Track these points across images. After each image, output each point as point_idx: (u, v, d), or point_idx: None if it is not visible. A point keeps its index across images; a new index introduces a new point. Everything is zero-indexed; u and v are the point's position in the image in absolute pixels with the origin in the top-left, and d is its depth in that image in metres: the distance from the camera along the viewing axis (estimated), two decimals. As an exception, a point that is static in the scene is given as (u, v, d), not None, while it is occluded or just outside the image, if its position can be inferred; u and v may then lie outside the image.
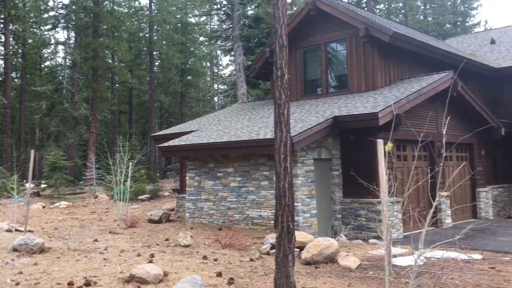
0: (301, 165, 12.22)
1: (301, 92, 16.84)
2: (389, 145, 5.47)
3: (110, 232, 12.81)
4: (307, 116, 13.56)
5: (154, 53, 42.72)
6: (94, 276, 7.67)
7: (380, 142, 5.64)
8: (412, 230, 13.26)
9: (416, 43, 15.70)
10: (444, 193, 14.69)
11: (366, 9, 34.80)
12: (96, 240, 11.37)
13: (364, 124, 12.20)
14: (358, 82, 15.35)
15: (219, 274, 7.86)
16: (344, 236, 11.86)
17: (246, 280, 7.66)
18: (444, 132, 6.07)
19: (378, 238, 12.18)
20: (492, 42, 22.36)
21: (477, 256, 9.59)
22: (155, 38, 43.10)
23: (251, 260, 9.20)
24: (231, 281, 7.42)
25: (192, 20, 45.31)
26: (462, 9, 44.94)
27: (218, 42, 34.84)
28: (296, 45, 16.96)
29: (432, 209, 5.47)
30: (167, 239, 11.77)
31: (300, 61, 16.93)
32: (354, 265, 8.71)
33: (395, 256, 9.52)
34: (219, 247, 10.52)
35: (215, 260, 9.12)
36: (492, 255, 10.20)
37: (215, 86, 49.15)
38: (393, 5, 45.52)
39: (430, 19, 44.32)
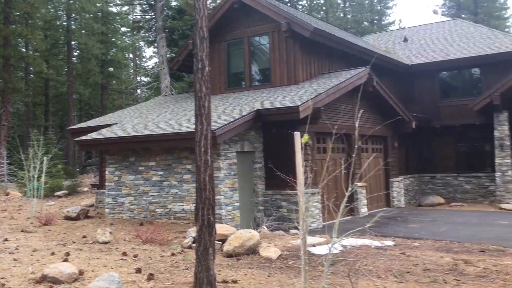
0: (224, 158, 12.24)
1: (225, 85, 16.84)
2: (305, 137, 5.60)
3: (22, 231, 12.07)
4: (231, 109, 13.59)
5: (73, 42, 40.70)
6: (2, 278, 7.20)
7: (297, 134, 5.76)
8: (331, 220, 13.78)
9: (335, 39, 16.25)
10: (360, 184, 15.37)
11: (289, 4, 35.43)
12: (6, 240, 10.67)
13: (286, 117, 12.43)
14: (281, 76, 15.62)
15: (139, 270, 7.68)
16: (266, 228, 12.06)
17: (167, 275, 7.55)
18: (356, 125, 6.28)
19: (299, 228, 12.51)
20: (405, 40, 23.70)
21: (389, 242, 10.16)
22: (73, 27, 41.06)
23: (173, 254, 9.08)
24: (150, 276, 7.28)
25: (113, 9, 43.68)
26: (379, 8, 47.15)
27: (141, 33, 33.91)
28: (220, 38, 16.91)
29: (345, 199, 5.65)
30: (84, 236, 11.31)
31: (224, 54, 16.91)
32: (275, 256, 8.88)
33: (313, 245, 9.82)
34: (140, 242, 10.28)
35: (135, 256, 8.91)
36: (403, 241, 10.83)
37: (138, 78, 47.85)
38: (314, 2, 46.75)
39: (349, 16, 46.07)
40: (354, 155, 6.94)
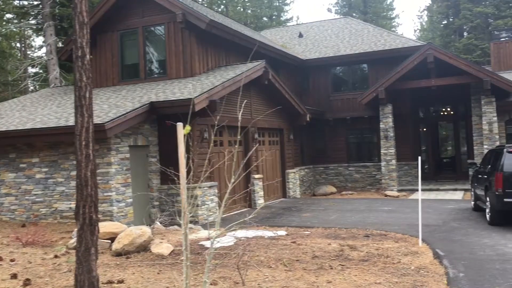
0: (116, 153, 11.69)
1: (118, 77, 16.11)
2: (187, 128, 5.45)
3: None
4: (123, 102, 13.02)
5: None
6: None
7: (179, 125, 5.58)
8: (229, 212, 13.82)
9: (232, 32, 16.26)
10: (256, 176, 15.59)
11: (188, -4, 34.88)
12: None
13: (181, 110, 12.07)
14: (177, 68, 15.28)
15: (14, 276, 7.05)
16: (160, 223, 11.74)
17: (46, 279, 7.01)
18: (239, 116, 6.23)
19: (195, 222, 12.37)
20: (300, 35, 24.46)
21: (282, 232, 10.38)
22: None
23: (56, 256, 8.47)
24: (27, 282, 6.70)
25: (-5, -8, 39.84)
26: (277, 4, 48.27)
27: (28, 20, 31.30)
28: (113, 27, 16.13)
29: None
30: (-45, 242, 10.17)
31: (117, 44, 16.15)
32: (167, 252, 8.65)
33: (208, 239, 9.72)
34: (19, 245, 9.46)
35: (12, 260, 8.17)
36: (295, 230, 11.15)
37: (26, 69, 44.27)
38: (215, -5, 46.57)
39: (249, 11, 46.59)
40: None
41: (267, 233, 10.08)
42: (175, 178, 9.08)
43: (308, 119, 18.75)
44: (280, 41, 24.15)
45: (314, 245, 9.17)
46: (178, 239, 9.98)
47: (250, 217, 5.48)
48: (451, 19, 36.46)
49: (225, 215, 13.60)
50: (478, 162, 15.83)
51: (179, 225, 12.41)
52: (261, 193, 15.82)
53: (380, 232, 10.58)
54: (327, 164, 22.36)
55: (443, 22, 38.27)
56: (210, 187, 12.91)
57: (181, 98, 12.19)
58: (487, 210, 11.38)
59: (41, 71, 30.97)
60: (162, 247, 8.76)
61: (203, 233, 10.65)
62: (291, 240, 9.70)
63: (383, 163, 19.58)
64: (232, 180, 5.39)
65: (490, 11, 33.34)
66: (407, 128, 20.99)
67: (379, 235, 10.33)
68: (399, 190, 19.22)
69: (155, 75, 15.75)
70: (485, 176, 11.78)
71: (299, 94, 22.50)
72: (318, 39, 23.90)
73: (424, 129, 22.56)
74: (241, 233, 10.00)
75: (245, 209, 15.07)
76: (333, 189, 19.83)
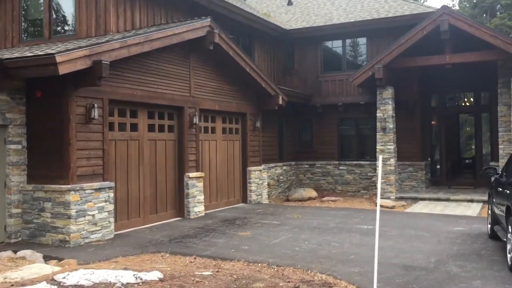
0: None
1: (19, 36, 12.17)
2: None
3: None
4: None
5: None
6: None
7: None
8: (131, 226, 9.81)
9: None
10: (194, 174, 11.50)
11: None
12: None
13: (42, 73, 8.12)
14: (88, 24, 11.21)
15: None
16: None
17: None
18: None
19: (65, 242, 8.37)
20: (289, 3, 20.11)
21: (155, 275, 6.22)
22: None
23: None
24: None
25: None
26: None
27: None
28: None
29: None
30: None
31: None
32: None
33: (37, 282, 5.71)
34: None
35: None
36: (200, 263, 7.07)
37: None
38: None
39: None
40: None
41: (127, 276, 5.97)
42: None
43: (281, 101, 14.49)
44: (265, 10, 19.86)
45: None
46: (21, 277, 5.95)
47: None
48: (481, -4, 31.41)
49: (124, 231, 9.60)
50: (501, 167, 11.43)
51: (46, 245, 8.44)
52: (201, 197, 11.71)
53: (324, 280, 6.36)
54: (313, 161, 18.08)
55: (473, 1, 33.12)
56: (98, 189, 8.87)
57: (39, 54, 8.14)
58: (509, 247, 7.04)
59: None
60: None
61: (38, 270, 6.62)
62: (154, 295, 5.60)
63: (379, 162, 15.16)
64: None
65: (528, -12, 28.21)
66: (415, 120, 16.50)
67: (321, 285, 6.14)
68: (397, 198, 14.85)
69: (62, 34, 11.75)
70: (507, 191, 7.44)
71: (282, 74, 18.27)
72: (310, 6, 19.49)
73: (437, 122, 18.01)
74: (85, 275, 5.93)
75: (172, 220, 11.06)
76: (313, 193, 15.54)
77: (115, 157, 9.61)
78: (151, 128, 10.72)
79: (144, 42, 9.50)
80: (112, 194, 9.15)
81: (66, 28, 11.80)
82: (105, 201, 8.99)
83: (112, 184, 9.18)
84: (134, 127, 10.22)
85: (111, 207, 9.09)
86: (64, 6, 11.86)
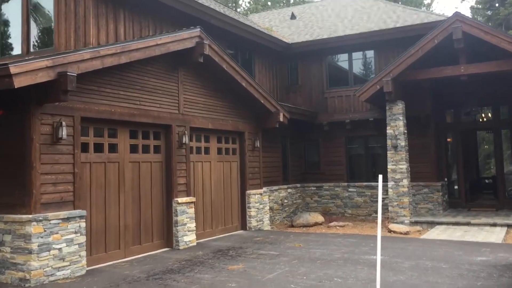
0: None
1: (-4, 52, 11.39)
2: None
3: None
4: None
5: None
6: None
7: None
8: (108, 260, 8.71)
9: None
10: (183, 199, 10.39)
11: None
12: None
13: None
14: (67, 36, 10.34)
15: None
16: None
17: None
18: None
19: (25, 281, 7.26)
20: (292, 17, 19.24)
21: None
22: None
23: None
24: None
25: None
26: None
27: None
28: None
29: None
30: None
31: None
32: None
33: None
34: None
35: None
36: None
37: None
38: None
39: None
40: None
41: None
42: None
43: (282, 118, 13.41)
44: (268, 25, 18.99)
45: None
46: None
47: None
48: (496, 7, 30.27)
49: (98, 266, 8.51)
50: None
51: (5, 284, 7.33)
52: (192, 225, 10.57)
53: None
54: (320, 183, 16.87)
55: (487, 13, 31.98)
56: (66, 219, 7.80)
57: (-7, 65, 7.20)
58: (549, 286, 5.76)
59: None
60: None
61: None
62: None
63: (390, 183, 13.94)
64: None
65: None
66: (429, 137, 15.28)
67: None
68: (412, 223, 13.54)
69: (41, 48, 10.89)
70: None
71: (285, 90, 17.27)
72: (314, 19, 18.58)
73: (453, 139, 16.73)
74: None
75: (159, 251, 9.94)
76: (319, 218, 14.30)
77: (90, 182, 8.57)
78: (134, 149, 9.69)
79: (121, 53, 8.53)
80: (84, 224, 8.07)
81: (46, 42, 10.94)
82: (75, 232, 7.91)
83: (84, 212, 8.11)
84: (113, 148, 9.19)
85: (82, 239, 8.00)
86: (44, 20, 11.05)
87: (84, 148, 8.49)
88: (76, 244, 7.90)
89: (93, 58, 7.95)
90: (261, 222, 13.26)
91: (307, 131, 16.93)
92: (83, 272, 7.97)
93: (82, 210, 8.11)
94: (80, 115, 8.23)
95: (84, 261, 8.02)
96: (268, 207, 13.80)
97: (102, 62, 8.16)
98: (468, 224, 12.97)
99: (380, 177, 5.19)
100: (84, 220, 8.10)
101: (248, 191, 12.94)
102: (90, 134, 8.68)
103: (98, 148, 8.87)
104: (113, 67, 8.67)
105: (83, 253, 8.02)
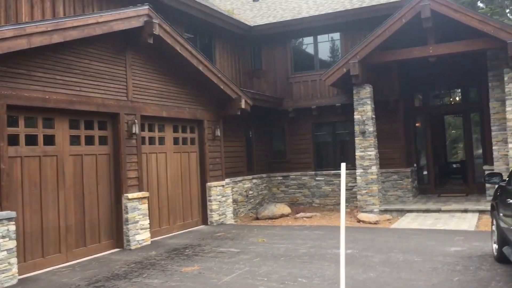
0: None
1: None
2: None
3: None
4: None
5: None
6: None
7: None
8: (48, 266, 7.72)
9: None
10: (133, 195, 9.44)
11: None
12: None
13: None
14: (-3, 15, 9.23)
15: None
16: None
17: None
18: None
19: None
20: (255, -1, 18.34)
21: None
22: None
23: None
24: None
25: None
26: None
27: None
28: None
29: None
30: None
31: None
32: None
33: None
34: None
35: None
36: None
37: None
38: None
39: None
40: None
41: None
42: None
43: (244, 105, 12.55)
44: (229, 7, 18.02)
45: None
46: None
47: None
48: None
49: (36, 273, 7.51)
50: (505, 173, 9.73)
51: None
52: (145, 222, 9.64)
53: None
54: (287, 172, 16.16)
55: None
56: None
57: None
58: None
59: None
60: None
61: None
62: None
63: (358, 171, 13.32)
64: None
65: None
66: (397, 122, 14.74)
67: None
68: (382, 211, 12.97)
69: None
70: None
71: (248, 76, 16.38)
72: (277, 1, 17.73)
73: (422, 124, 16.25)
74: None
75: (107, 252, 8.99)
76: (286, 210, 13.58)
77: (21, 179, 7.53)
78: (75, 140, 8.67)
79: (53, 31, 7.48)
80: (13, 227, 7.05)
81: (-27, 23, 9.73)
82: (3, 236, 6.89)
83: (13, 214, 7.08)
84: (49, 140, 8.15)
85: (12, 244, 6.99)
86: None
87: (13, 140, 7.44)
88: (4, 250, 6.88)
89: (17, 36, 6.88)
90: (224, 215, 12.43)
91: (272, 118, 16.15)
92: (14, 281, 6.97)
93: (11, 211, 7.08)
94: (6, 102, 7.17)
95: (14, 269, 7.00)
96: (232, 200, 12.97)
97: (29, 42, 7.10)
98: (439, 211, 12.48)
99: (343, 165, 4.42)
100: (14, 222, 7.07)
101: (208, 183, 12.07)
102: (21, 125, 7.63)
103: (31, 140, 7.83)
104: (46, 47, 7.62)
105: (13, 260, 7.00)
